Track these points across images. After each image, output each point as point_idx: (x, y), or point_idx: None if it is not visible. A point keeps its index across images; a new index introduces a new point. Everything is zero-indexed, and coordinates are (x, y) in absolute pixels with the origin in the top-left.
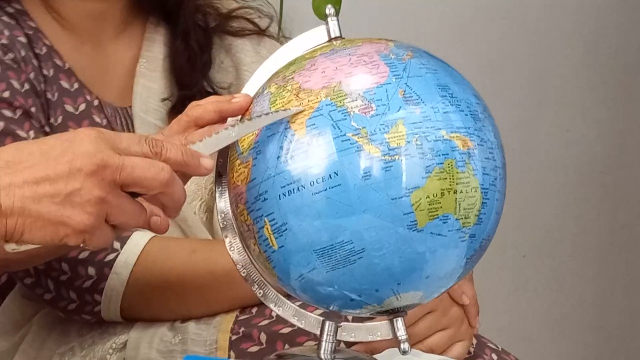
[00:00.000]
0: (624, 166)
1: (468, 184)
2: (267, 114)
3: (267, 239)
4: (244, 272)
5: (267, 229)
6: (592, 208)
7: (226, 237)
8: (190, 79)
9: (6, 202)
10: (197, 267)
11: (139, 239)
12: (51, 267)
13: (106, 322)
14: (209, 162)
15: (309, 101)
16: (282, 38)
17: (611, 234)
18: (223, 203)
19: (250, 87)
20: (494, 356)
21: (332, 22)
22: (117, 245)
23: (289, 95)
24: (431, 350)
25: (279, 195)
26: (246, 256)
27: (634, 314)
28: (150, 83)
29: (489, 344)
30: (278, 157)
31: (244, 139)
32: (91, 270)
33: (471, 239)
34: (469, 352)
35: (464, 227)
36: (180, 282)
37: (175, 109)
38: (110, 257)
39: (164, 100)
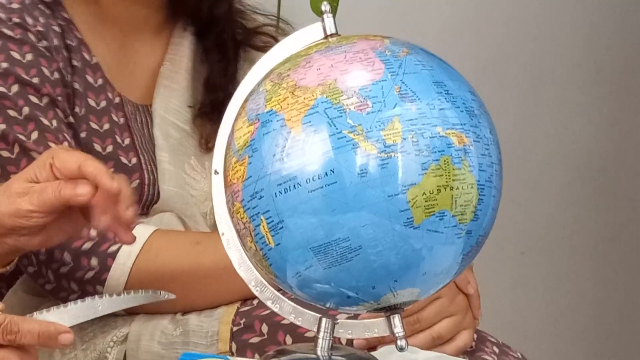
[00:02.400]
0: (623, 163)
1: (464, 181)
2: (139, 293)
3: (263, 236)
4: (241, 270)
5: (263, 226)
6: (590, 205)
7: (223, 234)
8: (220, 85)
9: None
10: (200, 259)
11: (142, 231)
12: (52, 259)
13: (107, 316)
14: (67, 338)
15: (304, 99)
16: (279, 34)
17: (609, 231)
18: (220, 201)
19: (246, 85)
20: (495, 349)
21: (328, 19)
22: None
23: (284, 92)
24: (440, 337)
25: (275, 193)
26: (243, 254)
27: (633, 310)
28: (173, 84)
29: (490, 338)
30: (274, 155)
31: (240, 137)
32: (94, 261)
33: (467, 235)
34: (471, 346)
35: (460, 223)
36: (183, 273)
37: (204, 114)
38: (114, 248)
39: (191, 107)
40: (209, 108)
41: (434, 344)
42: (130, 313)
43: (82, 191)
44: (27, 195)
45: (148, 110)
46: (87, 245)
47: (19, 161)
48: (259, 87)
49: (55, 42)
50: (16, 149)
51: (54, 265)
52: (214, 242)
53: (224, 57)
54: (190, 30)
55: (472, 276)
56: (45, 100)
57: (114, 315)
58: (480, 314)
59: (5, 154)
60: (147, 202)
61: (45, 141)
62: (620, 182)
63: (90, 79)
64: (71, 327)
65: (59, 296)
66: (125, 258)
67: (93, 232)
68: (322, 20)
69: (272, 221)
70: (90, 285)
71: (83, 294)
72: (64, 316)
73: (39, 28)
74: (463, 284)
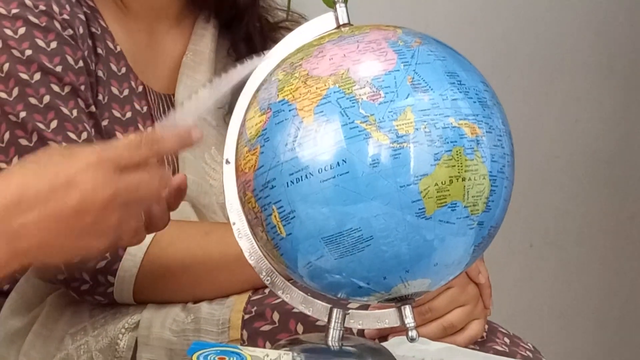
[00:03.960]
0: (632, 157)
1: (476, 172)
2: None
3: (275, 226)
4: (252, 260)
5: (275, 216)
6: (599, 198)
7: (234, 224)
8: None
9: (22, 244)
10: (211, 249)
11: None
12: None
13: (118, 304)
14: (197, 132)
15: (317, 88)
16: (290, 22)
17: (618, 224)
18: (231, 190)
19: (258, 74)
20: (507, 340)
21: (341, 9)
22: None
23: (297, 82)
24: (451, 326)
25: (287, 183)
26: (254, 244)
27: None
28: (195, 74)
29: (500, 329)
30: (286, 145)
31: (252, 126)
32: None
33: (479, 226)
34: (482, 337)
35: (472, 214)
36: (194, 264)
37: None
38: None
39: (220, 108)
40: None
41: (446, 334)
42: (141, 302)
43: None
44: None
45: (171, 99)
46: None
47: (37, 150)
48: (271, 77)
49: (81, 30)
50: (34, 138)
51: None
52: (223, 232)
53: (252, 51)
54: (214, 22)
55: (482, 265)
56: (67, 89)
57: (126, 303)
58: (492, 303)
59: (24, 142)
60: None
61: (64, 131)
62: (629, 176)
63: (114, 67)
64: None
65: (71, 286)
66: (136, 249)
67: None
68: (335, 10)
69: (284, 211)
70: (101, 275)
71: (95, 284)
72: (185, 114)
73: (65, 16)
74: (474, 274)
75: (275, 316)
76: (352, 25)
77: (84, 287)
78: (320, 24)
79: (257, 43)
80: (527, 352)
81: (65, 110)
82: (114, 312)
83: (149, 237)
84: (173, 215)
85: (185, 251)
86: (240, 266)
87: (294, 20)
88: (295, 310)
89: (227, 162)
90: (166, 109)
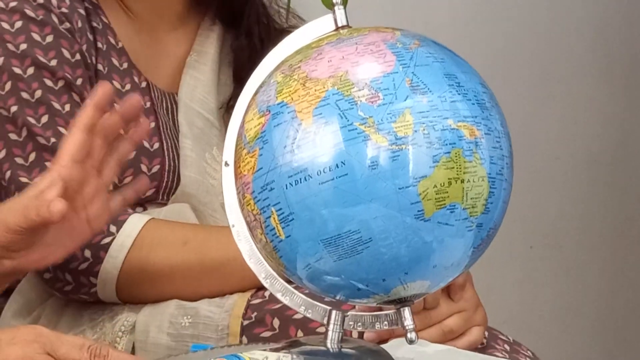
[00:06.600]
0: (631, 158)
1: (475, 173)
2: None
3: (274, 228)
4: (251, 262)
5: (274, 218)
6: (598, 200)
7: (233, 226)
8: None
9: None
10: (189, 260)
11: (135, 222)
12: None
13: (116, 305)
14: None
15: (315, 90)
16: (290, 26)
17: (617, 225)
18: (230, 193)
19: (257, 76)
20: (507, 347)
21: (339, 11)
22: (113, 228)
23: (295, 84)
24: (451, 332)
25: (286, 185)
26: (253, 246)
27: None
28: (199, 74)
29: (501, 336)
30: (285, 147)
31: (250, 129)
32: (87, 253)
33: (478, 228)
34: (482, 343)
35: (471, 216)
36: (172, 273)
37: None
38: (106, 240)
39: (221, 108)
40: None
41: (445, 339)
42: (125, 301)
43: (55, 208)
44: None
45: (174, 97)
46: None
47: (25, 145)
48: (270, 79)
49: (80, 24)
50: (24, 133)
51: None
52: (202, 241)
53: (251, 42)
54: (219, 24)
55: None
56: (60, 83)
57: (112, 302)
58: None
59: (13, 136)
60: (167, 189)
61: (54, 125)
62: (629, 177)
63: (115, 61)
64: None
65: (55, 287)
66: (117, 251)
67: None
68: (333, 12)
69: (283, 213)
70: (84, 276)
71: (78, 285)
72: None
73: (64, 9)
74: (469, 277)
75: (276, 322)
76: (350, 27)
77: (68, 288)
78: (319, 26)
79: (255, 34)
80: (527, 359)
81: (56, 105)
82: (112, 315)
83: (129, 239)
84: (171, 213)
85: (164, 260)
86: (218, 276)
87: (292, 26)
88: (295, 316)
89: (227, 164)
90: (168, 106)
